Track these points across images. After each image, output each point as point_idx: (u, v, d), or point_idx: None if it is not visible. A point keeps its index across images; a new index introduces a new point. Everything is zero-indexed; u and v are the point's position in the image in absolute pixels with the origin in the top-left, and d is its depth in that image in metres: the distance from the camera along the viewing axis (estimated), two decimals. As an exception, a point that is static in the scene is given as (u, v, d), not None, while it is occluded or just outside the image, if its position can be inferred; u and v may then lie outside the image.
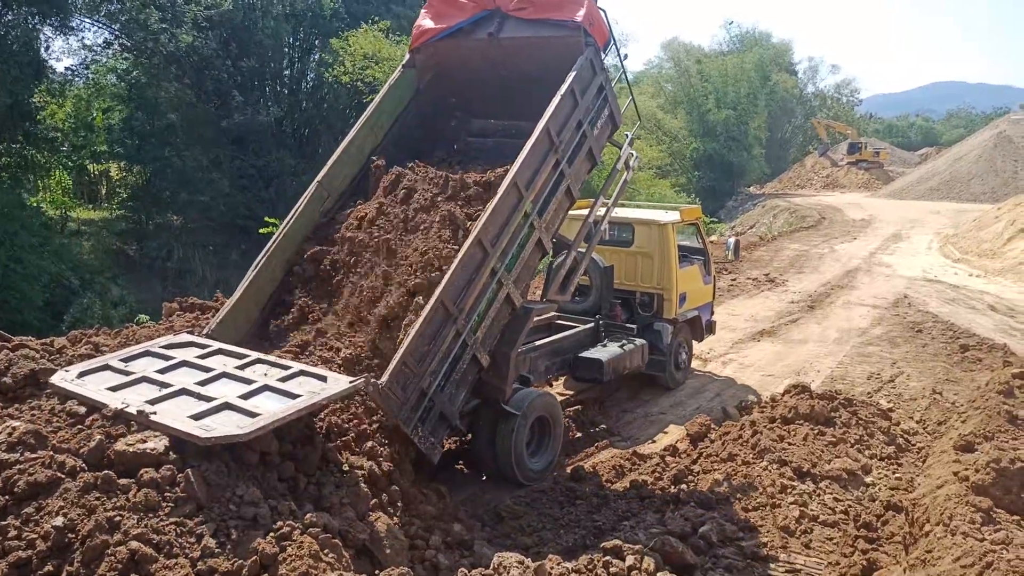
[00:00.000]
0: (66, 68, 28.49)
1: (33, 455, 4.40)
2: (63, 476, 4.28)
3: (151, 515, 4.10)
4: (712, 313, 11.77)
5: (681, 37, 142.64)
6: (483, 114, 8.70)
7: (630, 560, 4.96)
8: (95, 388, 5.15)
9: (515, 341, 7.11)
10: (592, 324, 9.71)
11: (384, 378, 5.72)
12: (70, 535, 4.00)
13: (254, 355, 5.90)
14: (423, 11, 8.28)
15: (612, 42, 8.08)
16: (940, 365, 11.52)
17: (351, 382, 5.39)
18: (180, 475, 4.31)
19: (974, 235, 24.66)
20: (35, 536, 4.00)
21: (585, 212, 8.35)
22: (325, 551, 4.24)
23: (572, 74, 7.19)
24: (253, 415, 4.79)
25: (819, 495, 6.79)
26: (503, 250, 6.68)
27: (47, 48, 24.90)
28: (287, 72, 34.51)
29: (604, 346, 9.56)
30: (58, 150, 26.40)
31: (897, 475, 7.36)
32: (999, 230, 23.30)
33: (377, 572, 4.53)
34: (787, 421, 8.03)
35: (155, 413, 4.73)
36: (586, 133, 7.52)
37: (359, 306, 6.75)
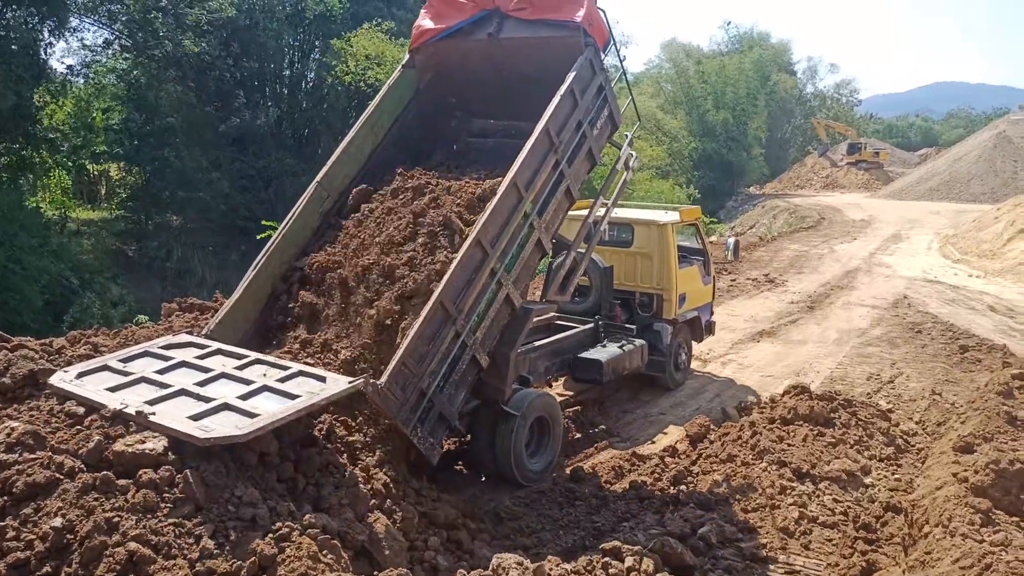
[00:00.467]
0: (67, 67, 28.42)
1: (32, 456, 4.40)
2: (61, 477, 4.28)
3: (150, 516, 4.10)
4: (712, 314, 11.76)
5: (680, 38, 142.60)
6: (483, 114, 8.70)
7: (629, 561, 4.95)
8: (94, 389, 5.15)
9: (515, 342, 7.11)
10: (592, 325, 9.70)
11: (383, 379, 5.72)
12: (68, 536, 4.00)
13: (253, 355, 5.90)
14: (423, 11, 8.28)
15: (612, 42, 8.08)
16: (939, 366, 11.52)
17: (350, 382, 5.39)
18: (179, 476, 4.31)
19: (974, 236, 24.66)
20: (33, 537, 4.00)
21: (585, 212, 8.35)
22: (324, 552, 4.24)
23: (572, 74, 7.19)
24: (252, 415, 4.78)
25: (818, 496, 6.78)
26: (503, 250, 6.67)
27: (47, 49, 24.86)
28: (287, 72, 34.54)
29: (604, 347, 9.55)
30: (58, 150, 26.38)
31: (896, 476, 7.35)
32: (999, 231, 23.31)
33: (376, 573, 4.53)
34: (786, 422, 8.02)
35: (154, 414, 4.73)
36: (586, 133, 7.52)
37: (358, 308, 6.74)
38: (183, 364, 5.70)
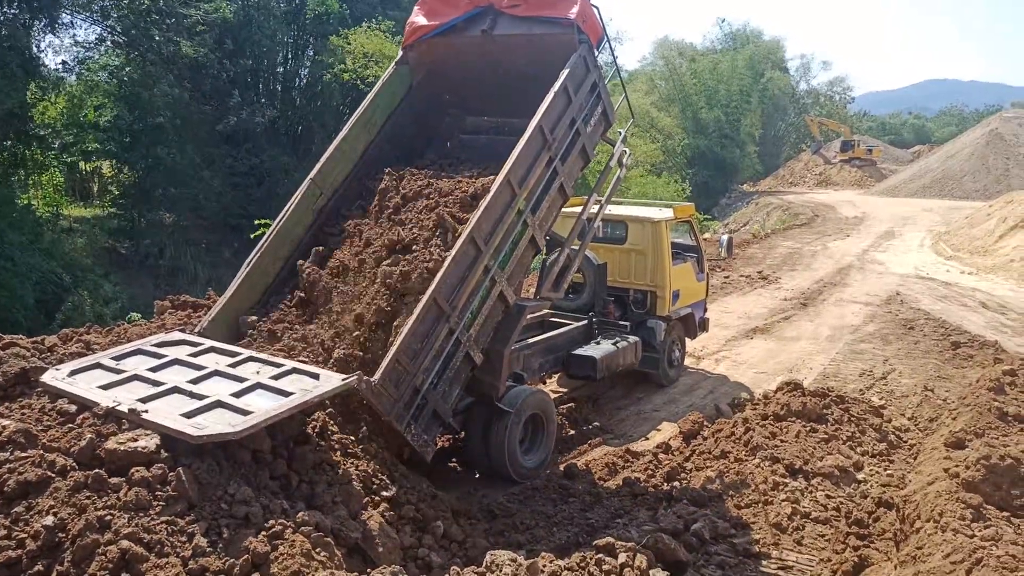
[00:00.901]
0: (61, 63, 28.28)
1: (23, 454, 4.38)
2: (53, 475, 4.26)
3: (142, 514, 4.08)
4: (705, 310, 11.79)
5: (672, 36, 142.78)
6: (477, 111, 8.68)
7: (622, 558, 4.96)
8: (86, 386, 5.12)
9: (508, 339, 7.11)
10: (586, 321, 9.71)
11: (377, 376, 5.71)
12: (60, 534, 3.98)
13: (246, 353, 5.88)
14: (416, 8, 8.25)
15: (605, 40, 8.08)
16: (932, 362, 11.57)
17: (344, 380, 5.38)
18: (171, 474, 4.29)
19: (966, 232, 24.78)
20: (25, 535, 3.98)
21: (578, 209, 8.35)
22: (317, 550, 4.23)
23: (565, 72, 7.19)
24: (245, 413, 4.77)
25: (811, 492, 6.81)
26: (496, 247, 6.67)
27: (39, 46, 24.73)
28: (280, 70, 34.40)
29: (597, 343, 9.56)
30: (50, 148, 26.23)
31: (888, 472, 7.39)
32: (991, 227, 23.42)
33: (369, 570, 4.53)
34: (779, 418, 8.05)
35: (147, 411, 4.71)
36: (579, 131, 7.52)
37: (351, 305, 6.73)
38: (176, 362, 5.68)
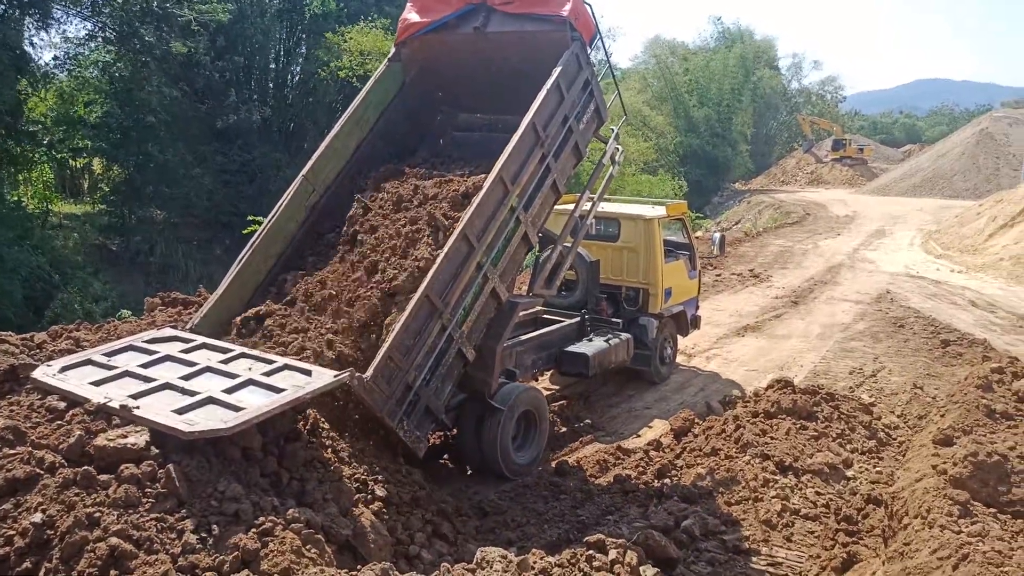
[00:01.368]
0: (52, 58, 28.04)
1: (11, 451, 4.36)
2: (42, 472, 4.24)
3: (131, 511, 4.07)
4: (697, 308, 11.82)
5: (664, 35, 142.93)
6: (469, 108, 8.68)
7: (613, 554, 4.98)
8: (77, 383, 5.11)
9: (501, 335, 7.12)
10: (578, 319, 9.73)
11: (369, 372, 5.71)
12: (49, 532, 3.96)
13: (238, 349, 5.87)
14: (408, 5, 8.24)
15: (598, 37, 8.09)
16: (921, 360, 11.64)
17: (336, 376, 5.37)
18: (161, 471, 4.28)
19: (956, 231, 24.93)
20: (13, 533, 3.97)
21: (571, 207, 8.36)
22: (307, 546, 4.22)
23: (558, 69, 7.19)
24: (237, 409, 4.76)
25: (801, 489, 6.85)
26: (489, 244, 6.67)
27: (31, 41, 24.48)
28: (273, 67, 34.23)
29: (590, 341, 9.59)
30: (40, 144, 26.03)
31: (878, 469, 7.44)
32: (980, 226, 23.58)
33: (360, 567, 4.52)
34: (770, 416, 8.09)
35: (138, 407, 4.70)
36: (572, 128, 7.52)
37: (343, 303, 6.72)
38: (167, 358, 5.66)
